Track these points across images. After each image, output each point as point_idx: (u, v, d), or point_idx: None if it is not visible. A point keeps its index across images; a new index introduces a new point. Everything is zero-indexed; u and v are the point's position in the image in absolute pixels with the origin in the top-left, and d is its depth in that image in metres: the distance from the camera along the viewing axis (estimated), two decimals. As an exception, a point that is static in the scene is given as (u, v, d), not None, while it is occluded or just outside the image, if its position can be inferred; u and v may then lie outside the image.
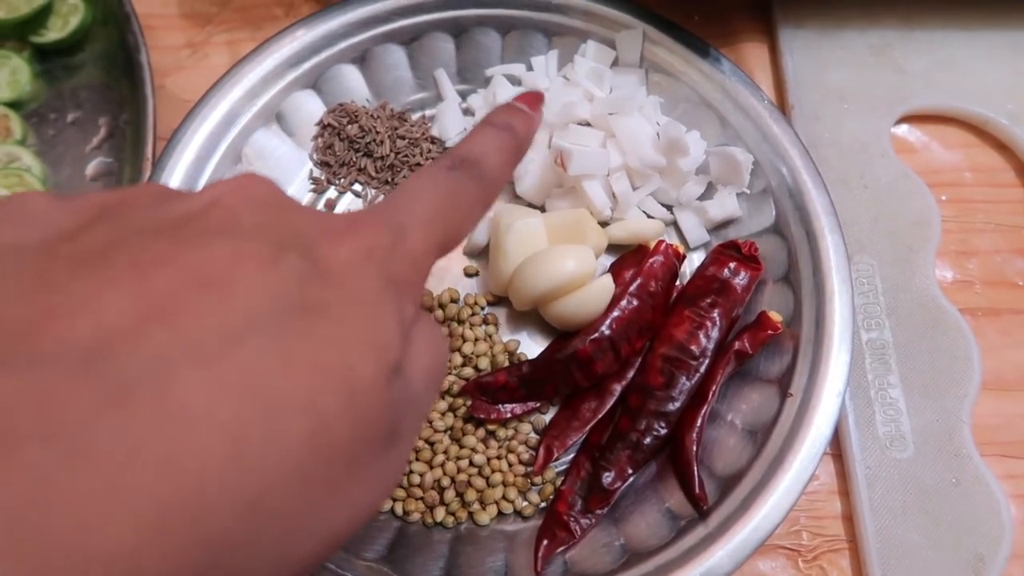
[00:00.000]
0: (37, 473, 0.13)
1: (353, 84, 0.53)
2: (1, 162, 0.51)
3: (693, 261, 0.51)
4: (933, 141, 0.56)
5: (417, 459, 0.45)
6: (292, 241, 0.19)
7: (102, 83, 0.54)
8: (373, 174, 0.52)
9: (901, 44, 0.58)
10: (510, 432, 0.46)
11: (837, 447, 0.47)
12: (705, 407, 0.44)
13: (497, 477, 0.44)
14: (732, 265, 0.47)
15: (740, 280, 0.46)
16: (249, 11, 0.59)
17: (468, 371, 0.47)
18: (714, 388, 0.44)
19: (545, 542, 0.42)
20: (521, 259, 0.46)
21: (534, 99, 0.31)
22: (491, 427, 0.46)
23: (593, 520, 0.43)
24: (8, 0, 0.53)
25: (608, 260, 0.50)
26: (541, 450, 0.45)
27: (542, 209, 0.51)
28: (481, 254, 0.51)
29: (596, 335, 0.44)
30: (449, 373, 0.47)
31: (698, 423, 0.43)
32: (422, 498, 0.44)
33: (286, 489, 0.16)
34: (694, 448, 0.43)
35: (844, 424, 0.46)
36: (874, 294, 0.50)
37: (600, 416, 0.45)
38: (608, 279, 0.46)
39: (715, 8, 0.58)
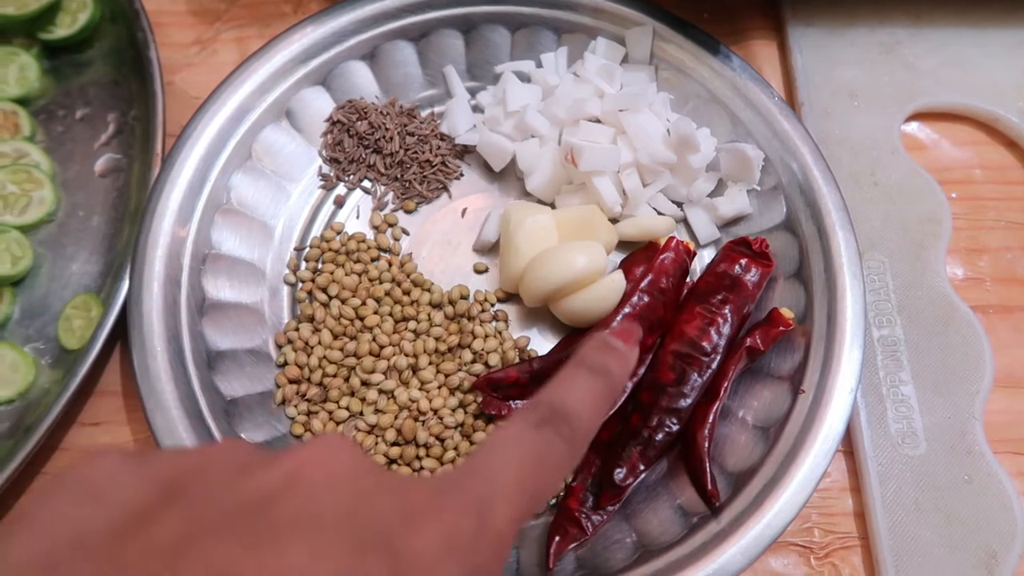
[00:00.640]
0: None
1: (362, 81, 0.53)
2: (10, 158, 0.51)
3: (703, 258, 0.51)
4: (943, 138, 0.56)
5: (428, 455, 0.44)
6: (373, 536, 0.18)
7: (111, 80, 0.54)
8: (382, 170, 0.52)
9: (911, 42, 0.58)
10: (520, 429, 0.46)
11: (849, 444, 0.47)
12: (717, 403, 0.43)
13: (508, 474, 0.44)
14: (743, 262, 0.46)
15: (751, 277, 0.46)
16: (258, 8, 0.59)
17: (478, 367, 0.47)
18: (726, 384, 0.44)
19: (556, 538, 0.42)
20: (531, 256, 0.46)
21: (629, 334, 0.29)
22: (502, 424, 0.45)
23: (604, 517, 0.43)
24: (17, -4, 0.53)
25: (618, 257, 0.50)
26: (552, 447, 0.44)
27: (552, 206, 0.51)
28: (491, 251, 0.51)
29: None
30: (459, 370, 0.46)
31: (710, 419, 0.43)
32: (433, 495, 0.44)
33: None
34: (706, 444, 0.43)
35: (856, 421, 0.46)
36: (885, 291, 0.49)
37: (611, 413, 0.45)
38: (619, 275, 0.46)
39: (725, 6, 0.58)
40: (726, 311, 0.45)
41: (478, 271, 0.51)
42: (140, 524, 0.17)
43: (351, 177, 0.52)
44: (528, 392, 0.45)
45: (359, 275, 0.49)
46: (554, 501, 0.44)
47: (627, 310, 0.44)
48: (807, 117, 0.54)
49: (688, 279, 0.48)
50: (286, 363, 0.47)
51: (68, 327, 0.47)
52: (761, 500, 0.40)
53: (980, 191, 0.54)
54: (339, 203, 0.52)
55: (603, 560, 0.41)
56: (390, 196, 0.52)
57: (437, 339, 0.47)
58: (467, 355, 0.47)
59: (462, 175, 0.53)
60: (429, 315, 0.48)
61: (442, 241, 0.52)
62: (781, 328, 0.45)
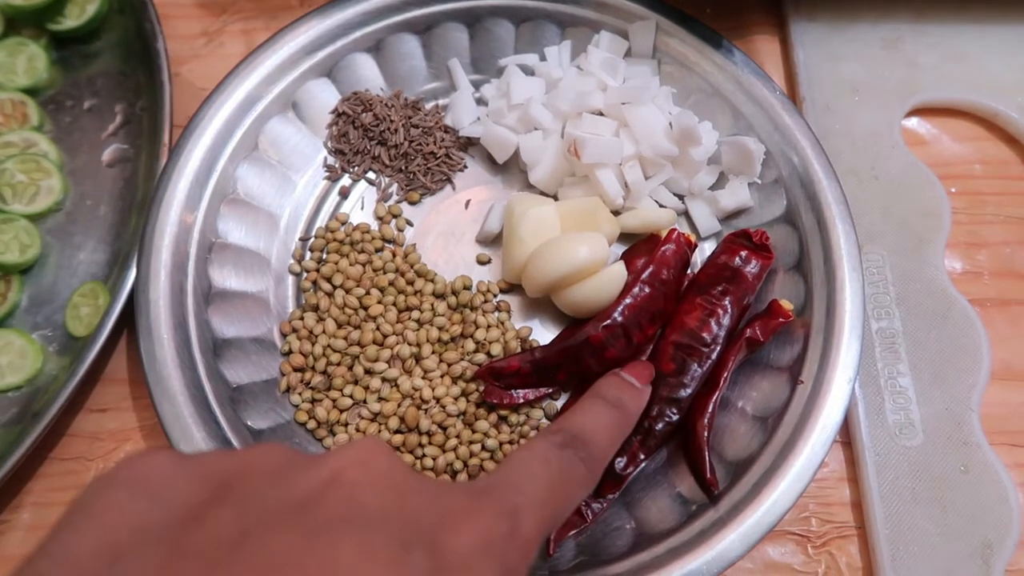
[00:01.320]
0: None
1: (367, 73, 0.54)
2: (19, 148, 0.51)
3: (704, 250, 0.51)
4: (943, 134, 0.57)
5: (430, 443, 0.45)
6: (416, 534, 0.19)
7: (118, 71, 0.55)
8: (387, 162, 0.53)
9: (912, 37, 0.58)
10: (522, 418, 0.46)
11: (846, 434, 0.47)
12: (716, 394, 0.44)
13: (509, 462, 0.45)
14: (743, 254, 0.47)
15: (751, 268, 0.47)
16: (264, 0, 0.59)
17: (481, 357, 0.47)
18: (725, 375, 0.44)
19: (557, 526, 0.42)
20: (534, 247, 0.47)
21: (643, 372, 0.32)
22: (503, 412, 0.46)
23: (605, 504, 0.43)
24: (26, -13, 0.53)
25: (620, 249, 0.51)
26: (553, 435, 0.45)
27: (555, 197, 0.52)
28: (494, 242, 0.52)
29: (608, 322, 0.44)
30: (462, 359, 0.47)
31: (709, 409, 0.44)
32: (435, 482, 0.44)
33: None
34: (705, 434, 0.43)
35: (854, 412, 0.46)
36: (884, 284, 0.50)
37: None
38: (620, 266, 0.46)
39: (727, 1, 0.59)
40: (726, 302, 0.45)
41: (481, 262, 0.51)
42: (195, 519, 0.18)
43: (356, 168, 0.53)
44: (529, 382, 0.46)
45: (363, 265, 0.50)
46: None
47: (628, 301, 0.45)
48: (808, 111, 0.55)
49: (689, 271, 0.49)
50: (291, 351, 0.47)
51: (75, 315, 0.48)
52: (759, 489, 0.41)
53: (979, 186, 0.55)
54: (344, 194, 0.52)
55: (603, 547, 0.42)
56: (394, 187, 0.53)
57: (440, 329, 0.48)
58: (470, 345, 0.47)
59: (466, 167, 0.54)
60: (432, 305, 0.48)
61: (446, 232, 0.52)
62: (780, 320, 0.45)
